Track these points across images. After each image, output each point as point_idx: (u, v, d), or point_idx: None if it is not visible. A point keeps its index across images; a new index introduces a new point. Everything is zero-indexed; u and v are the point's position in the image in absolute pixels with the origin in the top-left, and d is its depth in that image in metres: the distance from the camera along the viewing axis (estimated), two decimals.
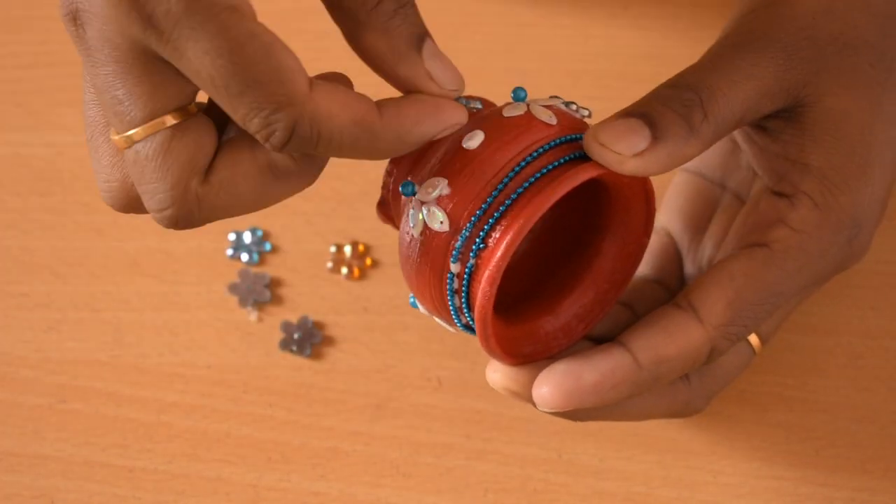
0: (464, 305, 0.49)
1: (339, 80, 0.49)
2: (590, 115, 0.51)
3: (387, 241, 0.65)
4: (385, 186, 0.51)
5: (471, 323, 0.50)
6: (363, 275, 0.65)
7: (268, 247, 0.65)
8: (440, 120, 0.47)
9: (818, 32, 0.50)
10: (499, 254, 0.46)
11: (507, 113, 0.49)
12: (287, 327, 0.63)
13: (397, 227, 0.52)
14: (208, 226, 0.65)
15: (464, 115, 0.48)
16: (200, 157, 0.45)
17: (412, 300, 0.52)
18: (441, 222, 0.47)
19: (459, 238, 0.47)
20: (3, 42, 0.71)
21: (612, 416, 0.54)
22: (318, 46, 0.70)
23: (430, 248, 0.48)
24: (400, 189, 0.49)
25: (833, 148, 0.50)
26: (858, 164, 0.50)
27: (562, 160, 0.48)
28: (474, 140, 0.48)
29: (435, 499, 0.60)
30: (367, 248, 0.65)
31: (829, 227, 0.50)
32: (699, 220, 0.58)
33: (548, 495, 0.60)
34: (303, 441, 0.61)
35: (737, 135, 0.54)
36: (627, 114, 0.48)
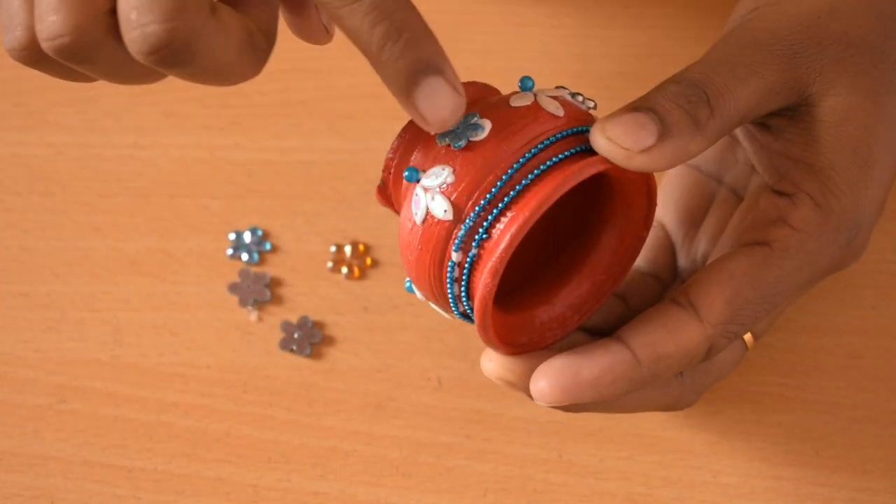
0: (463, 294, 0.49)
1: None
2: (595, 107, 0.51)
3: (387, 240, 0.65)
4: (386, 169, 0.51)
5: (468, 311, 0.50)
6: (363, 275, 0.65)
7: (268, 247, 0.65)
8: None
9: (822, 31, 0.51)
10: (502, 246, 0.46)
11: (514, 103, 0.49)
12: (287, 327, 0.63)
13: (395, 211, 0.52)
14: (208, 226, 0.66)
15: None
16: None
17: (408, 285, 0.52)
18: (445, 210, 0.47)
19: (463, 227, 0.47)
20: (2, 42, 0.71)
21: (603, 408, 0.54)
22: (319, 46, 0.70)
23: (431, 236, 0.48)
24: (404, 175, 0.49)
25: (835, 149, 0.50)
26: (860, 166, 0.50)
27: (568, 153, 0.48)
28: (481, 129, 0.48)
29: (435, 499, 0.60)
30: (367, 248, 0.65)
31: (830, 228, 0.50)
32: (694, 214, 0.58)
33: (548, 495, 0.60)
34: (303, 441, 0.61)
35: (739, 131, 0.54)
36: (634, 108, 0.48)
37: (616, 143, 0.47)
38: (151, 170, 0.67)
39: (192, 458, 0.61)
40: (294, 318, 0.64)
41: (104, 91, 0.69)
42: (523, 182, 0.47)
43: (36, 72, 0.70)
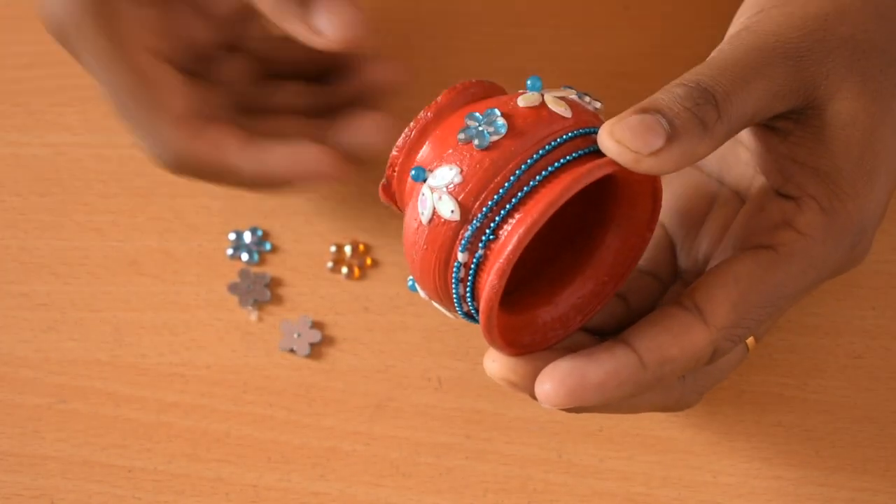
0: (468, 294, 0.49)
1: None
2: (602, 108, 0.51)
3: (387, 240, 0.65)
4: (391, 167, 0.51)
5: (473, 312, 0.50)
6: (363, 274, 0.65)
7: (268, 247, 0.65)
8: (297, 170, 0.54)
9: (829, 34, 0.50)
10: (510, 247, 0.46)
11: (521, 103, 0.49)
12: (287, 327, 0.63)
13: (399, 209, 0.52)
14: (208, 226, 0.66)
15: (328, 167, 0.53)
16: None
17: (411, 283, 0.52)
18: (452, 210, 0.47)
19: (469, 228, 0.47)
20: (3, 42, 0.71)
21: (604, 409, 0.54)
22: None
23: (437, 236, 0.48)
24: (410, 174, 0.49)
25: (841, 153, 0.50)
26: (866, 171, 0.50)
27: (575, 154, 0.48)
28: (503, 127, 0.48)
29: (435, 499, 0.60)
30: (367, 248, 0.65)
31: (835, 232, 0.50)
32: (695, 214, 0.58)
33: (548, 495, 0.60)
34: (303, 441, 0.61)
35: (744, 134, 0.54)
36: (642, 110, 0.48)
37: (625, 145, 0.47)
38: (151, 170, 0.67)
39: (192, 458, 0.61)
40: (294, 318, 0.64)
41: None
42: (531, 183, 0.47)
43: (35, 72, 0.70)
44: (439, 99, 0.50)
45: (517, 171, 0.47)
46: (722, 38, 0.53)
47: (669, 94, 0.48)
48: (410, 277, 0.51)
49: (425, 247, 0.48)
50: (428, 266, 0.49)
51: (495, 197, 0.47)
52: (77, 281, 0.65)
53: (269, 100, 0.61)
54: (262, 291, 0.64)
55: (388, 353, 0.63)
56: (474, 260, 0.48)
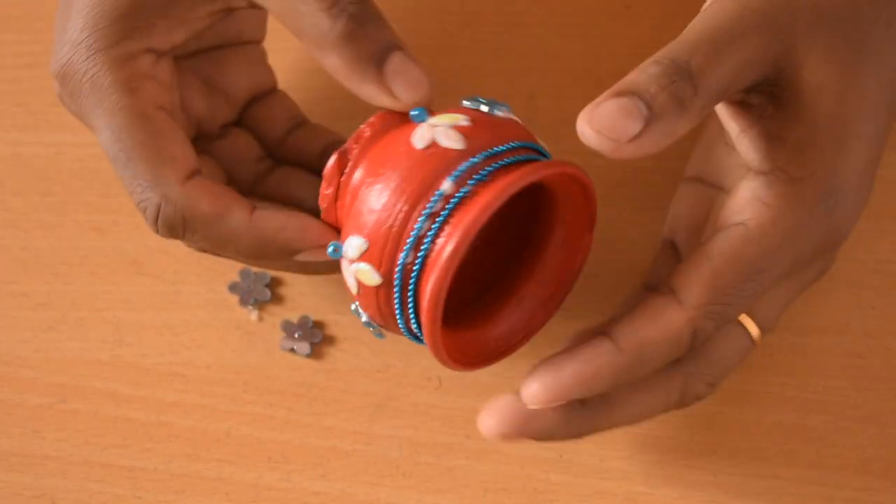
0: (411, 313, 0.50)
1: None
2: (509, 110, 0.51)
3: None
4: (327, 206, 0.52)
5: (417, 331, 0.51)
6: None
7: None
8: (303, 239, 0.52)
9: (795, 5, 0.50)
10: (441, 264, 0.47)
11: (417, 144, 0.49)
12: (287, 327, 0.63)
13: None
14: None
15: (328, 237, 0.52)
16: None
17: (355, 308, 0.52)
18: (373, 277, 0.49)
19: (395, 290, 0.49)
20: (3, 42, 0.71)
21: (610, 421, 0.54)
22: None
23: (370, 303, 0.50)
24: (328, 251, 0.51)
25: (807, 121, 0.50)
26: (833, 136, 0.50)
27: (472, 182, 0.48)
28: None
29: (435, 499, 0.60)
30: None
31: (804, 200, 0.50)
32: (697, 224, 0.58)
33: (548, 495, 0.60)
34: (303, 441, 0.61)
35: (723, 120, 0.54)
36: (618, 93, 0.48)
37: (605, 135, 0.47)
38: None
39: (192, 458, 0.61)
40: (294, 318, 0.64)
41: None
42: (430, 233, 0.48)
43: (36, 72, 0.70)
44: (352, 152, 0.52)
45: (420, 220, 0.48)
46: None
47: (644, 74, 0.48)
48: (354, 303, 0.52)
49: (367, 307, 0.50)
50: (377, 318, 0.51)
51: (405, 251, 0.48)
52: (77, 281, 0.65)
53: (271, 184, 0.60)
54: (262, 291, 0.64)
55: (388, 353, 0.63)
56: (410, 309, 0.49)
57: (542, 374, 0.50)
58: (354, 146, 0.51)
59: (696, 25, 0.50)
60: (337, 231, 0.52)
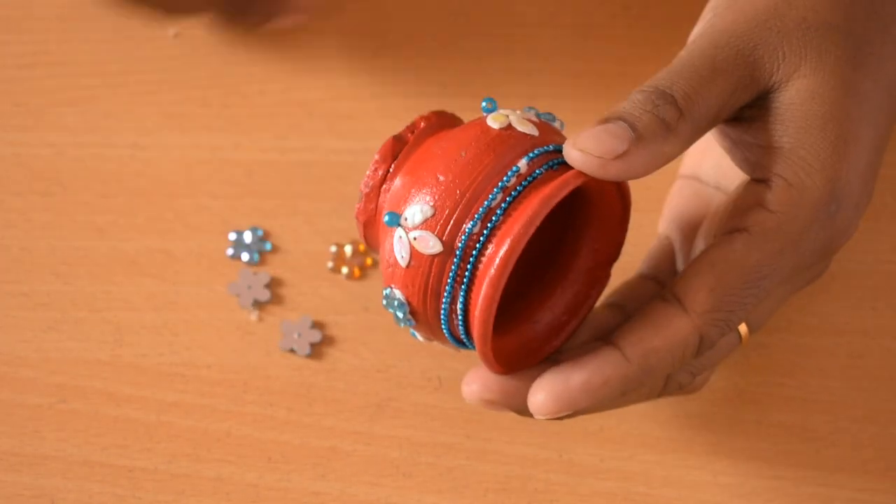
0: (459, 321, 0.49)
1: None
2: (564, 126, 0.52)
3: None
4: (363, 211, 0.52)
5: (463, 337, 0.50)
6: (363, 274, 0.65)
7: (268, 246, 0.65)
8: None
9: (781, 21, 0.51)
10: (497, 263, 0.47)
11: (492, 124, 0.49)
12: (287, 327, 0.63)
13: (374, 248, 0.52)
14: (208, 226, 0.66)
15: None
16: None
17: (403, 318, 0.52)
18: (432, 244, 0.48)
19: (455, 257, 0.48)
20: (3, 42, 0.71)
21: (595, 408, 0.54)
22: (319, 45, 0.70)
23: (421, 272, 0.49)
24: (384, 219, 0.49)
25: (802, 128, 0.50)
26: (830, 141, 0.50)
27: (545, 167, 0.48)
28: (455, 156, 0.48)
29: (435, 499, 0.60)
30: (367, 248, 0.65)
31: (806, 206, 0.50)
32: (693, 221, 0.58)
33: (548, 495, 0.60)
34: (303, 441, 0.61)
35: (712, 132, 0.54)
36: (604, 120, 0.49)
37: (589, 153, 0.48)
38: (151, 170, 0.67)
39: (192, 458, 0.61)
40: (294, 318, 0.64)
41: (104, 91, 0.69)
42: (508, 200, 0.48)
43: (35, 72, 0.70)
44: (409, 137, 0.51)
45: (494, 191, 0.48)
46: None
47: (629, 102, 0.49)
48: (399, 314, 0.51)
49: (412, 285, 0.49)
50: (418, 299, 0.50)
51: (474, 219, 0.47)
52: (77, 281, 0.65)
53: None
54: (262, 291, 0.64)
55: (388, 353, 0.63)
56: (463, 284, 0.48)
57: (548, 384, 0.50)
58: (410, 134, 0.51)
59: (682, 56, 0.51)
60: None
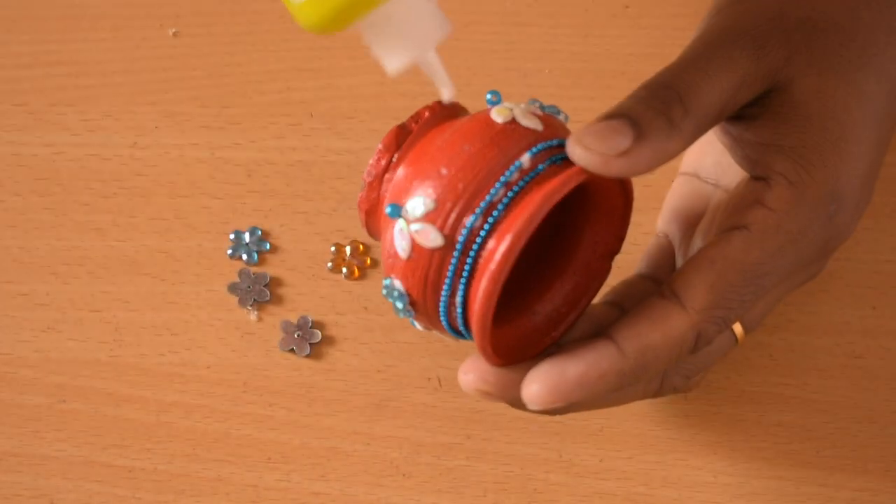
0: (458, 311, 0.49)
1: None
2: (568, 119, 0.51)
3: None
4: (366, 199, 0.51)
5: (461, 327, 0.50)
6: (363, 274, 0.65)
7: (268, 246, 0.65)
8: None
9: (787, 20, 0.51)
10: (498, 257, 0.47)
11: (496, 118, 0.49)
12: (287, 327, 0.63)
13: (375, 237, 0.52)
14: (208, 226, 0.66)
15: None
16: None
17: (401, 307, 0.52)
18: (433, 238, 0.48)
19: (455, 250, 0.48)
20: (2, 42, 0.71)
21: (589, 403, 0.54)
22: (319, 45, 0.70)
23: (421, 264, 0.49)
24: (386, 211, 0.49)
25: (804, 127, 0.50)
26: (832, 141, 0.50)
27: (548, 162, 0.48)
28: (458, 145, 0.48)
29: (435, 499, 0.60)
30: (367, 248, 0.65)
31: (807, 205, 0.50)
32: (692, 218, 0.58)
33: (548, 495, 0.60)
34: (303, 441, 0.61)
35: (713, 131, 0.54)
36: (608, 116, 0.48)
37: (592, 149, 0.47)
38: (151, 170, 0.67)
39: (192, 458, 0.61)
40: (294, 318, 0.64)
41: (104, 91, 0.69)
42: (509, 194, 0.47)
43: (35, 72, 0.70)
44: (413, 128, 0.51)
45: (496, 186, 0.48)
46: None
47: (633, 98, 0.49)
48: (398, 300, 0.51)
49: (412, 276, 0.49)
50: (417, 291, 0.49)
51: (476, 214, 0.47)
52: (77, 281, 0.65)
53: None
54: (262, 291, 0.64)
55: (388, 353, 0.63)
56: (463, 278, 0.48)
57: (543, 375, 0.50)
58: (414, 124, 0.51)
59: (687, 52, 0.51)
60: None
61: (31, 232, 0.66)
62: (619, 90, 0.65)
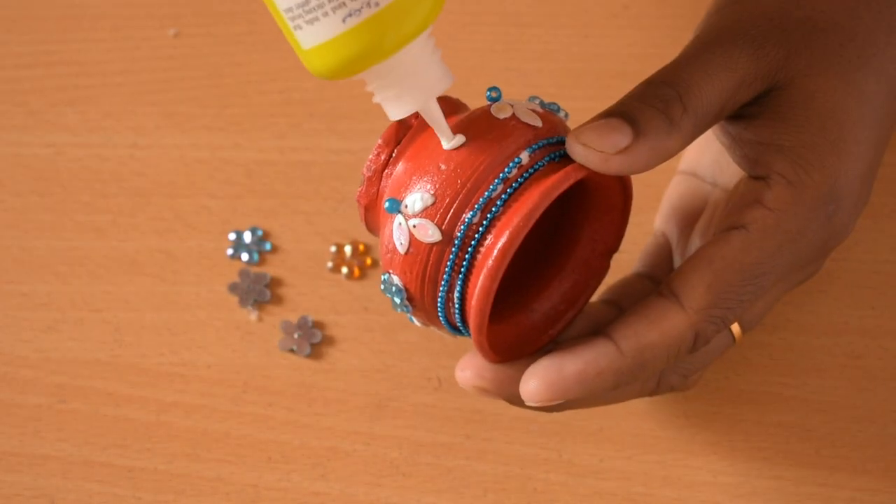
0: (456, 308, 0.49)
1: None
2: (568, 117, 0.51)
3: None
4: (364, 195, 0.51)
5: (458, 323, 0.50)
6: (363, 274, 0.65)
7: (268, 246, 0.65)
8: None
9: (786, 20, 0.51)
10: (496, 253, 0.47)
11: (496, 114, 0.49)
12: (287, 327, 0.63)
13: (374, 233, 0.52)
14: (208, 226, 0.66)
15: None
16: None
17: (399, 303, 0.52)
18: (431, 233, 0.48)
19: (454, 246, 0.48)
20: (3, 42, 0.71)
21: (586, 401, 0.54)
22: None
23: (419, 260, 0.49)
24: (385, 206, 0.49)
25: (803, 126, 0.50)
26: (831, 141, 0.50)
27: (547, 158, 0.48)
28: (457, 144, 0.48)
29: (435, 499, 0.60)
30: (367, 248, 0.65)
31: (805, 204, 0.50)
32: (690, 217, 0.58)
33: (548, 495, 0.60)
34: (303, 441, 0.61)
35: (712, 130, 0.54)
36: (607, 114, 0.49)
37: (591, 147, 0.48)
38: (151, 170, 0.67)
39: (192, 458, 0.61)
40: (294, 318, 0.64)
41: (104, 91, 0.69)
42: (508, 191, 0.48)
43: (36, 71, 0.70)
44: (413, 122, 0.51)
45: (495, 182, 0.48)
46: None
47: (632, 96, 0.49)
48: (396, 297, 0.51)
49: (410, 271, 0.49)
50: (415, 286, 0.49)
51: (474, 209, 0.47)
52: (77, 281, 0.65)
53: None
54: (262, 291, 0.64)
55: (388, 353, 0.63)
56: (461, 274, 0.48)
57: (542, 371, 0.50)
58: (413, 119, 0.51)
59: (687, 50, 0.51)
60: None
61: (31, 232, 0.66)
62: (619, 90, 0.65)
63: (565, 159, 0.49)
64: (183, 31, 0.71)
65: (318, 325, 0.63)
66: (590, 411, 0.60)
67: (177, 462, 0.61)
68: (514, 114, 0.49)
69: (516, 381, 0.51)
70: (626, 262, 0.59)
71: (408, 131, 0.50)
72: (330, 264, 0.65)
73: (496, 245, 0.47)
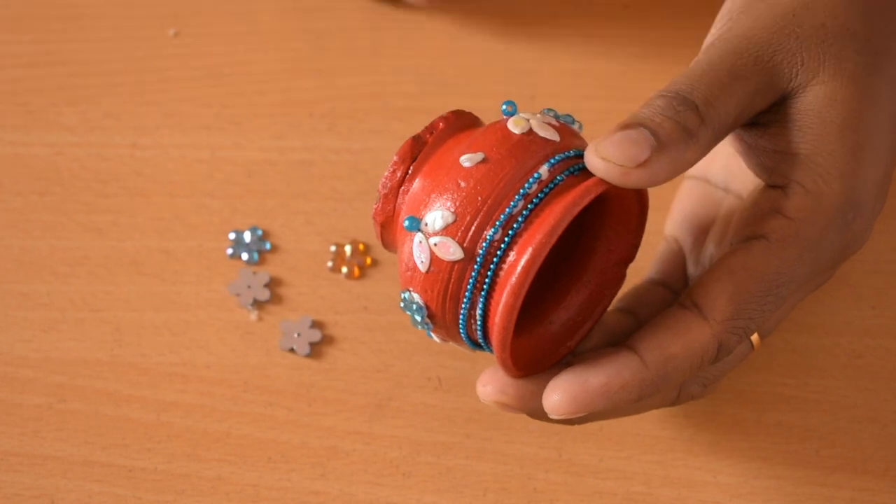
0: (478, 326, 0.49)
1: None
2: (581, 128, 0.51)
3: None
4: (381, 212, 0.51)
5: (480, 339, 0.50)
6: (363, 274, 0.65)
7: (268, 246, 0.65)
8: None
9: (799, 27, 0.51)
10: (519, 270, 0.47)
11: (513, 129, 0.49)
12: (287, 327, 0.63)
13: (392, 249, 0.52)
14: (208, 226, 0.66)
15: None
16: None
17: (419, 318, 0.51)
18: (452, 251, 0.48)
19: (476, 264, 0.48)
20: (3, 42, 0.71)
21: (608, 413, 0.54)
22: (319, 46, 0.70)
23: (440, 278, 0.48)
24: (404, 224, 0.49)
25: (820, 134, 0.50)
26: (848, 148, 0.50)
27: (567, 172, 0.48)
28: (475, 160, 0.48)
29: (435, 498, 0.60)
30: (367, 248, 0.65)
31: (824, 213, 0.50)
32: (703, 223, 0.58)
33: (548, 495, 0.60)
34: (303, 441, 0.61)
35: (729, 140, 0.54)
36: (625, 126, 0.48)
37: (611, 161, 0.47)
38: (151, 170, 0.67)
39: (192, 458, 0.61)
40: (294, 318, 0.64)
41: (104, 91, 0.69)
42: (529, 207, 0.47)
43: (35, 72, 0.70)
44: (427, 139, 0.51)
45: (515, 198, 0.47)
46: None
47: (650, 107, 0.49)
48: (415, 315, 0.51)
49: (431, 289, 0.49)
50: (436, 303, 0.49)
51: (496, 226, 0.47)
52: (77, 281, 0.65)
53: None
54: (262, 291, 0.64)
55: (388, 353, 0.63)
56: (483, 291, 0.48)
57: (565, 384, 0.49)
58: (429, 135, 0.51)
59: (701, 60, 0.51)
60: None
61: (31, 232, 0.66)
62: (619, 90, 0.66)
63: (584, 173, 0.49)
64: (183, 31, 0.71)
65: (318, 324, 0.63)
66: None
67: (177, 462, 0.61)
68: (530, 128, 0.49)
69: (538, 396, 0.51)
70: (634, 265, 0.59)
71: (423, 148, 0.50)
72: (330, 264, 0.65)
73: (519, 262, 0.47)
